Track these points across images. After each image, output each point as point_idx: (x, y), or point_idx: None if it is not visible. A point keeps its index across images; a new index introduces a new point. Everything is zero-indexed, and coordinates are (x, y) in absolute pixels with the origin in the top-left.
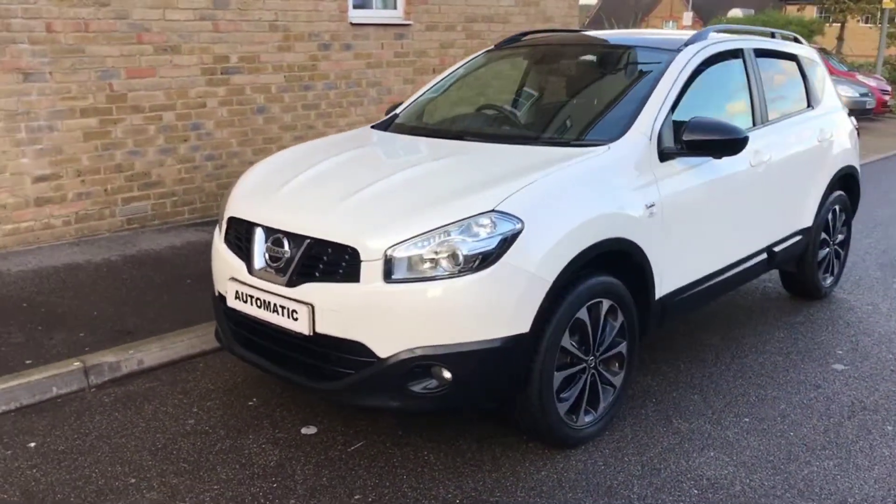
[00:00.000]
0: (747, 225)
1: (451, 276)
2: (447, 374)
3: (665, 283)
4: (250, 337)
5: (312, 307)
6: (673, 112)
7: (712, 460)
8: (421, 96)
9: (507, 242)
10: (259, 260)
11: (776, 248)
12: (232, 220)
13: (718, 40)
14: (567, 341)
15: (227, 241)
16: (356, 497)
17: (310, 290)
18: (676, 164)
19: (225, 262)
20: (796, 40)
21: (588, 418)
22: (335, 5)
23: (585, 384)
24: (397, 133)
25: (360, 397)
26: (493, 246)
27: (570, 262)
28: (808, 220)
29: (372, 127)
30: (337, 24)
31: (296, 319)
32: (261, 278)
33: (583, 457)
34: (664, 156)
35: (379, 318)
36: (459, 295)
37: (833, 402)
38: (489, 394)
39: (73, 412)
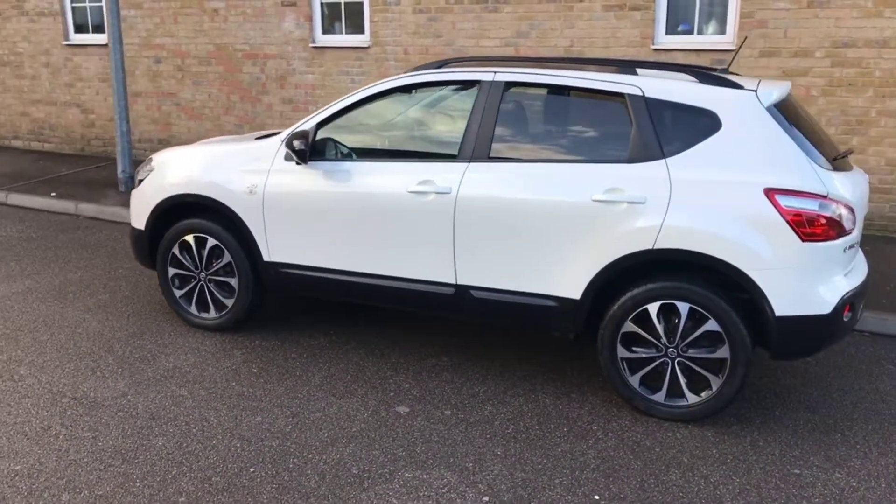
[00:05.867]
0: (398, 247)
1: (133, 188)
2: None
3: (274, 252)
4: None
5: None
6: (322, 126)
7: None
8: None
9: (147, 176)
10: None
11: (476, 294)
12: None
13: (438, 72)
14: (178, 252)
15: None
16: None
17: None
18: (297, 165)
19: None
20: (714, 81)
21: (207, 314)
22: (637, 32)
23: (199, 290)
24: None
25: None
26: (142, 177)
27: (170, 197)
28: (567, 290)
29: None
30: (637, 49)
31: None
32: None
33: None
34: (288, 157)
35: None
36: (134, 199)
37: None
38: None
39: None
